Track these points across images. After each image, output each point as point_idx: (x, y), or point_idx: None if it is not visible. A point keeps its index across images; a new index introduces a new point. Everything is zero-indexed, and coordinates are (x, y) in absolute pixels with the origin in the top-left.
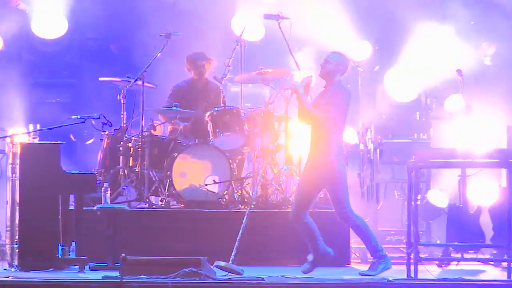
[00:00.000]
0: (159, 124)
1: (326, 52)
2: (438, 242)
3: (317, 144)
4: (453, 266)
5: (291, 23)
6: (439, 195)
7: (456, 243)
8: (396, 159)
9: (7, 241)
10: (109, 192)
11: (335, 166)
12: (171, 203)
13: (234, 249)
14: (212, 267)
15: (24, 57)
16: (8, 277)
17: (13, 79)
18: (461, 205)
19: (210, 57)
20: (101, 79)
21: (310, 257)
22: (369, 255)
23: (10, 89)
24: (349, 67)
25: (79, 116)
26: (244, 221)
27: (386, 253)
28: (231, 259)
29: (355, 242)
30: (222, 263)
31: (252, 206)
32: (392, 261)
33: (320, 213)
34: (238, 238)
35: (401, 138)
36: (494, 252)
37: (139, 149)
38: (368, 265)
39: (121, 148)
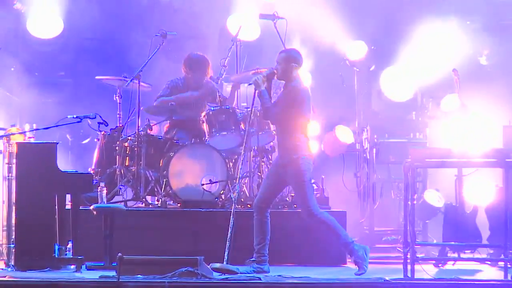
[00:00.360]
0: (155, 124)
1: (322, 52)
2: (435, 241)
3: (282, 142)
4: (449, 265)
5: (286, 23)
6: (436, 194)
7: (452, 242)
8: (392, 159)
9: (4, 240)
10: (105, 191)
11: (299, 164)
12: (167, 203)
13: (226, 249)
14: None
15: (20, 56)
16: (4, 276)
17: (9, 78)
18: (457, 205)
19: (207, 61)
20: (97, 77)
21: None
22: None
23: (6, 88)
24: (302, 60)
25: (75, 116)
26: (231, 220)
27: (355, 239)
28: (224, 259)
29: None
30: (217, 265)
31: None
32: (388, 261)
33: None
34: (228, 237)
35: (397, 138)
36: (491, 251)
37: (136, 149)
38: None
39: (117, 148)
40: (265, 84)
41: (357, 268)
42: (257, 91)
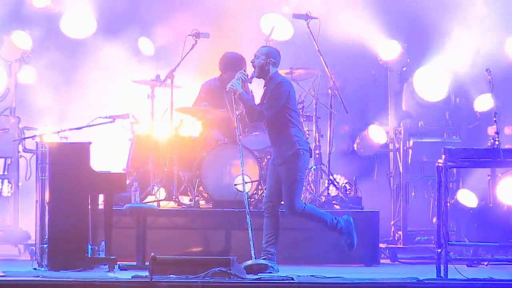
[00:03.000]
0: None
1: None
2: (468, 242)
3: (276, 139)
4: (483, 266)
5: (319, 23)
6: (469, 194)
7: (486, 243)
8: (425, 159)
9: (37, 240)
10: (138, 191)
11: (294, 161)
12: (200, 203)
13: (252, 247)
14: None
15: (54, 57)
16: (38, 276)
17: (42, 79)
18: (491, 205)
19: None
20: (130, 78)
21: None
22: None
23: (40, 89)
24: (280, 60)
25: (108, 116)
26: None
27: (340, 218)
28: (253, 257)
29: (384, 242)
30: (249, 262)
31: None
32: (421, 261)
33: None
34: (250, 236)
35: (431, 138)
36: None
37: (168, 149)
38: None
39: (150, 148)
40: (242, 86)
41: (349, 244)
42: (235, 96)
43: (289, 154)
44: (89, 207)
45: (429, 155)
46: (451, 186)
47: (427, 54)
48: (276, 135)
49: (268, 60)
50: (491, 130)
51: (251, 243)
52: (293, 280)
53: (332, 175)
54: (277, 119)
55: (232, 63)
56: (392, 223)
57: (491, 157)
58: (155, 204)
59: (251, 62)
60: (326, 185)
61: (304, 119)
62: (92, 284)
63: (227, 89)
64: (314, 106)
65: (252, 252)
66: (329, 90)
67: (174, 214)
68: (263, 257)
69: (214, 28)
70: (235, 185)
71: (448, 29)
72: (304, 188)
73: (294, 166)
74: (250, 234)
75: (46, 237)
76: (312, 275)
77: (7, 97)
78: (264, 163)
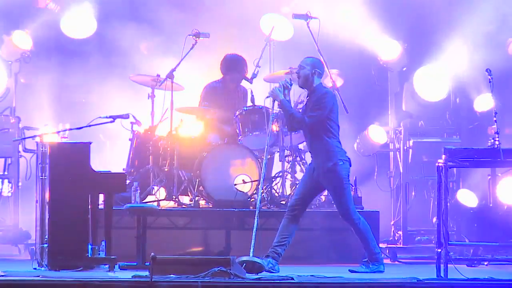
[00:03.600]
0: (188, 124)
1: (355, 51)
2: (468, 242)
3: (316, 149)
4: (483, 266)
5: (319, 23)
6: (469, 194)
7: (486, 243)
8: (425, 159)
9: (37, 240)
10: (138, 191)
11: (337, 171)
12: (200, 203)
13: (252, 246)
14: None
15: (54, 57)
16: (38, 276)
17: (43, 78)
18: (491, 205)
19: (243, 62)
20: (131, 77)
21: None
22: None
23: (40, 88)
24: (323, 68)
25: (108, 116)
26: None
27: (382, 256)
28: (251, 252)
29: (384, 242)
30: (244, 258)
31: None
32: (421, 261)
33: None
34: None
35: (431, 138)
36: None
37: (168, 149)
38: (398, 265)
39: (150, 148)
40: (284, 94)
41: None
42: (276, 102)
43: (330, 165)
44: (89, 207)
45: (429, 155)
46: (451, 186)
47: (427, 54)
48: (316, 144)
49: (314, 70)
50: (491, 130)
51: (253, 243)
52: (293, 280)
53: None
54: (319, 130)
55: (233, 65)
56: (392, 223)
57: (491, 157)
58: (155, 204)
59: (296, 73)
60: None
61: None
62: (92, 284)
63: (268, 95)
64: None
65: (252, 247)
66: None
67: (174, 214)
68: (268, 254)
69: (214, 28)
70: (235, 185)
71: (448, 29)
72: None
73: (336, 175)
74: (254, 235)
75: (46, 237)
76: (312, 275)
77: (7, 97)
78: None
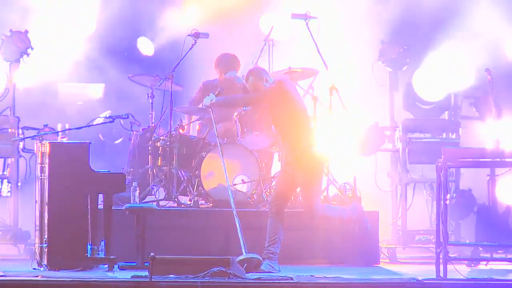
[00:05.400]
0: (187, 124)
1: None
2: (468, 242)
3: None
4: (482, 266)
5: (319, 23)
6: (468, 194)
7: (485, 243)
8: (425, 159)
9: (36, 240)
10: (137, 191)
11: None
12: (199, 203)
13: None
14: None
15: (53, 56)
16: (37, 276)
17: (42, 79)
18: (490, 205)
19: (237, 60)
20: (130, 76)
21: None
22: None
23: (39, 88)
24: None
25: (107, 116)
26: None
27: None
28: (244, 251)
29: (384, 242)
30: (240, 257)
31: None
32: (421, 261)
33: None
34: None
35: (430, 138)
36: None
37: (168, 149)
38: (399, 265)
39: (149, 148)
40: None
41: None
42: (211, 107)
43: (297, 157)
44: (89, 207)
45: (428, 155)
46: (450, 186)
47: (427, 54)
48: (284, 139)
49: (264, 79)
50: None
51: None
52: (293, 280)
53: (331, 174)
54: (283, 123)
55: (226, 64)
56: (392, 223)
57: (491, 157)
58: (155, 204)
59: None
60: (325, 184)
61: None
62: (92, 284)
63: (203, 106)
64: (314, 106)
65: (242, 246)
66: (329, 89)
67: (174, 214)
68: (263, 257)
69: (213, 28)
70: (234, 184)
71: (448, 29)
72: None
73: (307, 167)
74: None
75: (46, 237)
76: (312, 275)
77: (7, 97)
78: (264, 163)
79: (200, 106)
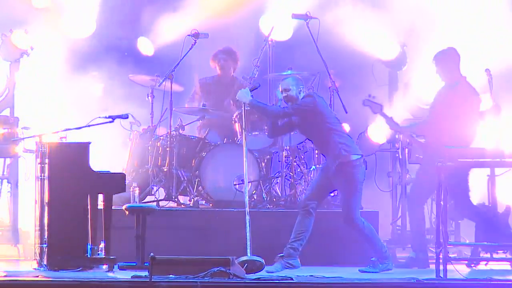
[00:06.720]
0: (187, 124)
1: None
2: (467, 242)
3: (324, 151)
4: (482, 266)
5: (319, 23)
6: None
7: (485, 243)
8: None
9: (36, 240)
10: (137, 191)
11: (349, 171)
12: (199, 203)
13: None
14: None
15: (53, 56)
16: (37, 276)
17: (42, 79)
18: (490, 205)
19: (234, 51)
20: (130, 76)
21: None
22: (398, 255)
23: (39, 88)
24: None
25: (107, 116)
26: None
27: (389, 254)
28: (248, 252)
29: (383, 242)
30: (243, 258)
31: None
32: None
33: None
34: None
35: None
36: None
37: (168, 149)
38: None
39: (149, 148)
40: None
41: (367, 266)
42: (245, 104)
43: (338, 164)
44: (89, 207)
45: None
46: None
47: (427, 54)
48: (322, 147)
49: (298, 89)
50: (491, 130)
51: (248, 243)
52: (293, 280)
53: None
54: (319, 132)
55: (215, 55)
56: (391, 223)
57: (490, 157)
58: (155, 204)
59: (283, 96)
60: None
61: None
62: (92, 284)
63: (237, 99)
64: None
65: (248, 247)
66: (329, 90)
67: (174, 214)
68: (282, 254)
69: (213, 28)
70: (234, 185)
71: (448, 29)
72: (302, 187)
73: (348, 175)
74: (248, 234)
75: (46, 237)
76: (312, 275)
77: (7, 97)
78: (263, 164)
79: (237, 98)
